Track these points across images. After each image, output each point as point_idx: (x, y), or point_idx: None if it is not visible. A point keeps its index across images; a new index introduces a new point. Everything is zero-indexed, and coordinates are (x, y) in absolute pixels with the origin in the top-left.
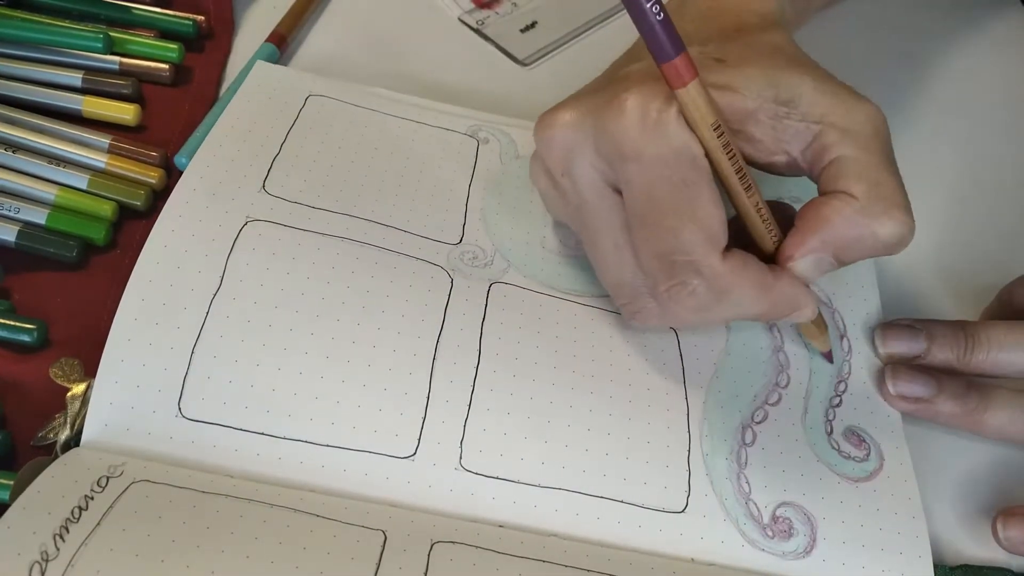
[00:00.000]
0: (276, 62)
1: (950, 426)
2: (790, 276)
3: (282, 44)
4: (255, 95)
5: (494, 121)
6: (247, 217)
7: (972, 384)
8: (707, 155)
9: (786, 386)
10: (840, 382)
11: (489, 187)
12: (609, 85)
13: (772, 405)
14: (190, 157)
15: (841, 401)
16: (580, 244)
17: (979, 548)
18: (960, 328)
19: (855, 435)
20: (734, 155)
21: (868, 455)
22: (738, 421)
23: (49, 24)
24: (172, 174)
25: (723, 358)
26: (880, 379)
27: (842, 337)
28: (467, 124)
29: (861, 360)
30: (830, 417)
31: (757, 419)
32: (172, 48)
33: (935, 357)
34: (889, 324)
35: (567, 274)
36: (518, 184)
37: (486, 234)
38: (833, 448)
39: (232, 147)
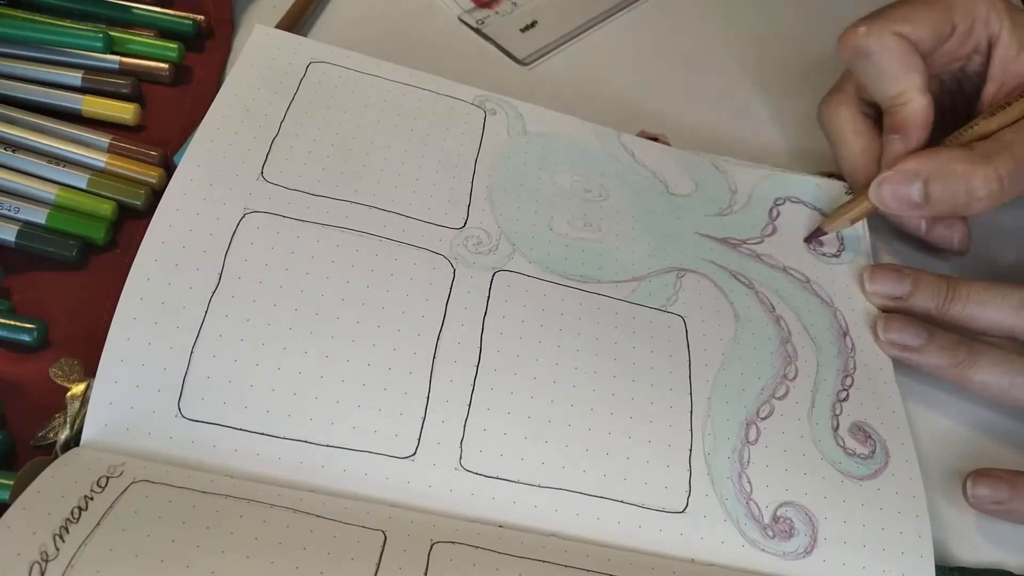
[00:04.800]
0: None
1: (937, 378)
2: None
3: None
4: (255, 62)
5: (501, 95)
6: (245, 209)
7: (962, 340)
8: None
9: (794, 378)
10: (846, 376)
11: (496, 163)
12: None
13: (779, 399)
14: None
15: (848, 396)
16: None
17: (981, 549)
18: (944, 280)
19: (861, 431)
20: None
21: (873, 452)
22: (743, 417)
23: (49, 24)
24: (172, 173)
25: (732, 348)
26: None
27: (845, 335)
28: (474, 94)
29: (865, 357)
30: (836, 412)
31: (763, 415)
32: (172, 48)
33: (916, 302)
34: (879, 265)
35: (574, 258)
36: (526, 160)
37: (492, 213)
38: (838, 445)
39: (230, 129)
